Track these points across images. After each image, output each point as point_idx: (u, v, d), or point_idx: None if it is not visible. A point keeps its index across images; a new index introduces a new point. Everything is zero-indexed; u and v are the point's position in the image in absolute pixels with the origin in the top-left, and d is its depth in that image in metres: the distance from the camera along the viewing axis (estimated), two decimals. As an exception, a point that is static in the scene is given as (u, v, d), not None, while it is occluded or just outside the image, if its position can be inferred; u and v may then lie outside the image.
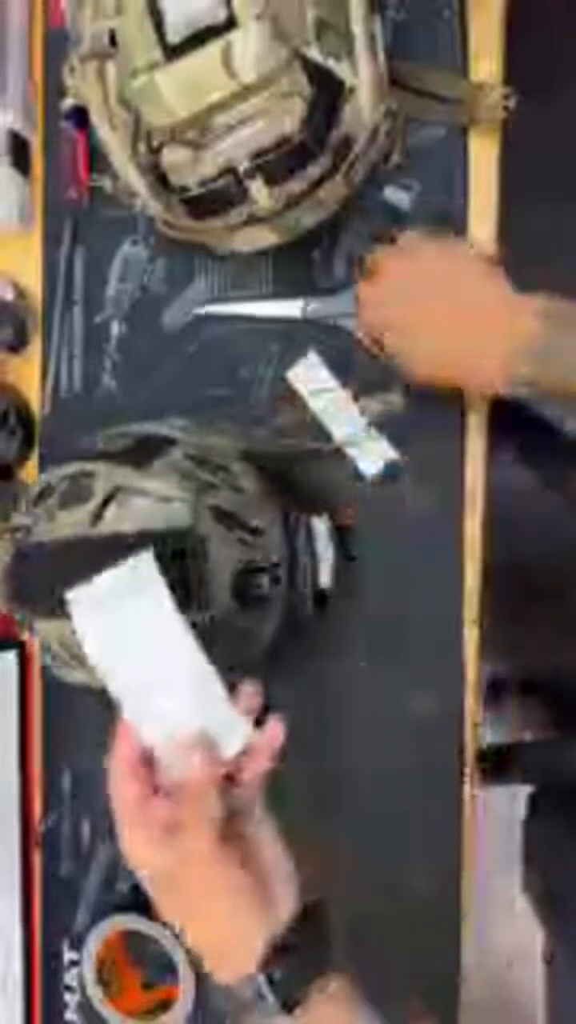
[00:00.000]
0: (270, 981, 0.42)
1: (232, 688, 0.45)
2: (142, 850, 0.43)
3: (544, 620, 1.38)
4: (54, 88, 0.70)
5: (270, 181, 0.53)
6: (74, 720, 0.73)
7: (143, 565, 0.45)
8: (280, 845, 0.45)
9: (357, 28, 0.53)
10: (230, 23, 0.49)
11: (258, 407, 0.67)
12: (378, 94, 0.55)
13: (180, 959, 0.66)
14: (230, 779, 0.44)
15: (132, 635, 0.44)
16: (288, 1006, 0.42)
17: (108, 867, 0.73)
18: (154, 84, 0.50)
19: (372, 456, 0.64)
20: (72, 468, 0.62)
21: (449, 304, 0.54)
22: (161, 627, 0.44)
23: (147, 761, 0.44)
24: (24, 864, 0.75)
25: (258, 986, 0.42)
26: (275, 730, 0.44)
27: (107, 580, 0.45)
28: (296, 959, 0.43)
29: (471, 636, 0.64)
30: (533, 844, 0.79)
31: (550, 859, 0.76)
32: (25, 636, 0.65)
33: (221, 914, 0.43)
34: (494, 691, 1.40)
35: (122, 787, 0.43)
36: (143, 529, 0.58)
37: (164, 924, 0.67)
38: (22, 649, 0.74)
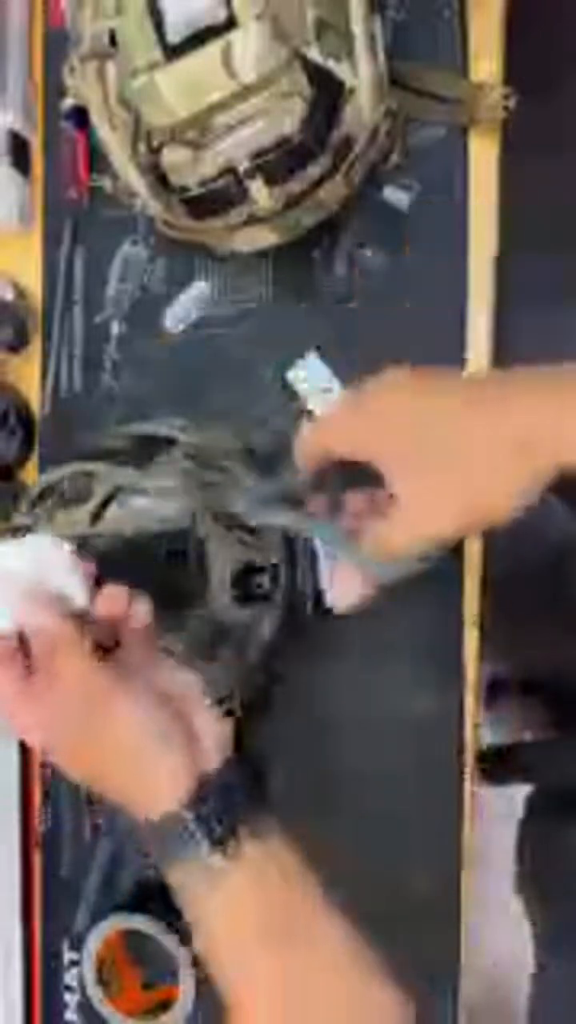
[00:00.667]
0: (197, 817, 0.40)
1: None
2: (31, 722, 0.42)
3: (544, 620, 1.38)
4: (54, 88, 0.70)
5: (270, 181, 0.53)
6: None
7: None
8: (210, 707, 0.44)
9: (357, 28, 0.53)
10: (230, 23, 0.49)
11: (258, 407, 0.67)
12: (378, 94, 0.55)
13: (180, 959, 0.66)
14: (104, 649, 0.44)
15: None
16: (218, 844, 0.40)
17: (108, 867, 0.73)
18: (154, 84, 0.50)
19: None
20: (72, 468, 0.62)
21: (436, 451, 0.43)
22: None
23: (14, 652, 0.43)
24: (24, 864, 0.75)
25: (184, 824, 0.40)
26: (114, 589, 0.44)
27: None
28: (227, 796, 0.41)
29: (471, 636, 0.64)
30: (528, 845, 0.79)
31: (544, 860, 0.76)
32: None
33: (133, 750, 0.41)
34: (494, 691, 1.40)
35: None
36: (143, 529, 0.58)
37: (165, 924, 0.67)
38: (22, 649, 0.74)
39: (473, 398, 0.41)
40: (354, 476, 0.45)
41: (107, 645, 0.44)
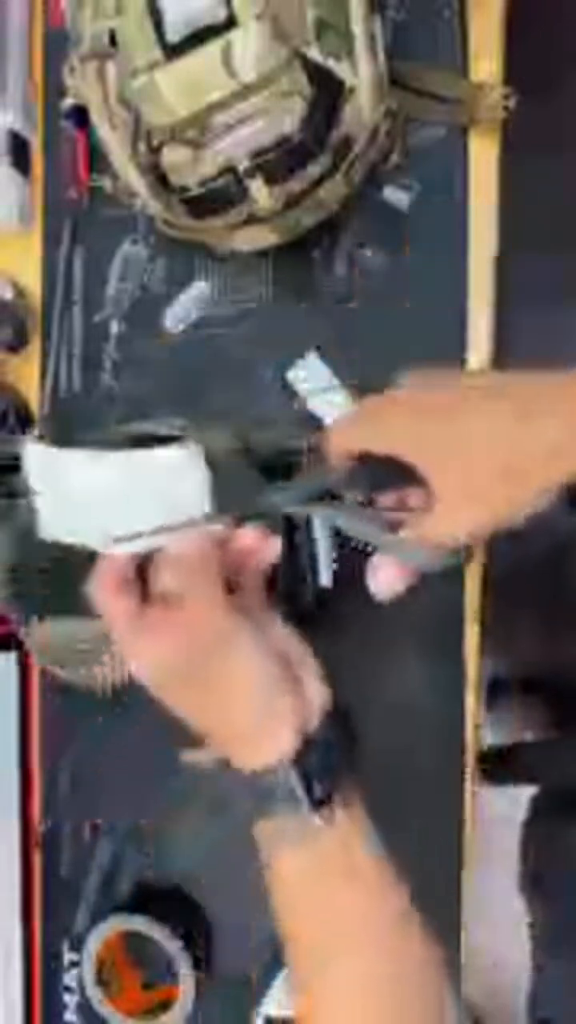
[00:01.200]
0: (300, 773, 0.40)
1: None
2: (150, 652, 0.41)
3: (544, 619, 1.38)
4: (54, 88, 0.70)
5: (270, 180, 0.53)
6: (74, 720, 0.73)
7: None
8: (307, 649, 0.44)
9: (357, 28, 0.53)
10: (230, 22, 0.49)
11: (258, 407, 0.67)
12: (378, 94, 0.55)
13: (180, 959, 0.66)
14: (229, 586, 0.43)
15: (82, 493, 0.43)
16: (316, 802, 0.40)
17: (108, 868, 0.73)
18: (154, 83, 0.50)
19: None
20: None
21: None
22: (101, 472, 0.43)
23: (131, 580, 0.42)
24: (24, 864, 0.75)
25: (286, 777, 0.40)
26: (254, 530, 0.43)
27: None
28: (327, 756, 0.41)
29: (472, 635, 0.64)
30: (531, 845, 0.79)
31: (547, 860, 0.76)
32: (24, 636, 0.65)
33: (247, 694, 0.41)
34: (495, 691, 1.40)
35: (112, 605, 0.41)
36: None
37: (165, 924, 0.67)
38: (22, 649, 0.74)
39: (518, 404, 0.41)
40: (383, 473, 0.44)
41: (231, 586, 0.43)
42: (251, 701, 0.41)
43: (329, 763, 0.41)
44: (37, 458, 0.43)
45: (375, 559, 0.45)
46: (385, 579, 0.45)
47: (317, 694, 0.43)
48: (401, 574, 0.45)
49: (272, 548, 0.44)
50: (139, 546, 0.42)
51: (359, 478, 0.44)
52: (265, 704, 0.41)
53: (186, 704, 0.42)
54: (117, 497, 0.42)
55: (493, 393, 0.42)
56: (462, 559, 0.44)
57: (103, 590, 0.42)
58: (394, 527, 0.43)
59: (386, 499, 0.45)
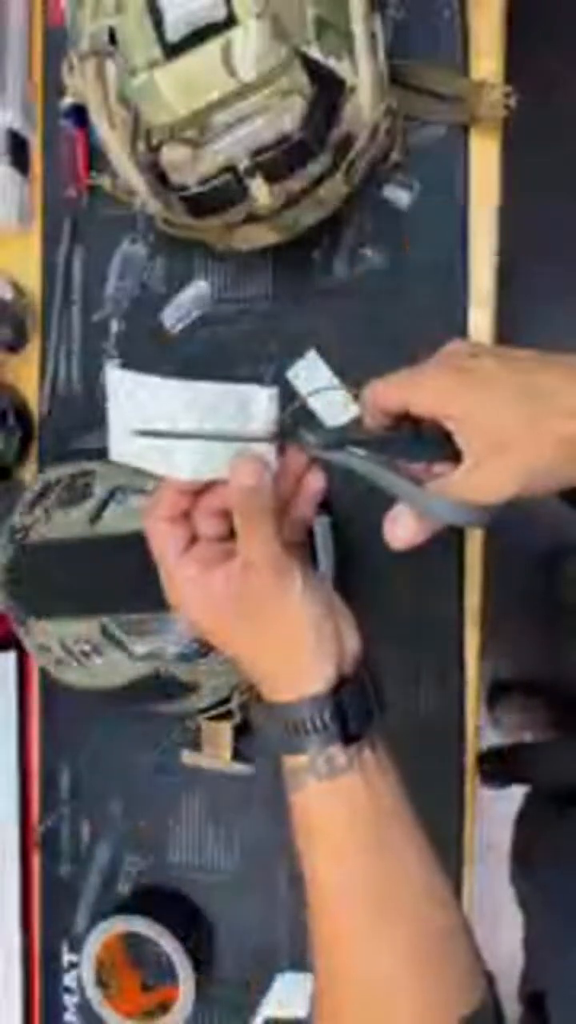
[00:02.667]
0: (337, 705, 0.41)
1: None
2: (202, 589, 0.42)
3: (544, 621, 1.38)
4: (53, 87, 0.70)
5: (270, 179, 0.53)
6: (73, 721, 0.73)
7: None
8: (349, 614, 0.45)
9: (357, 27, 0.53)
10: (230, 21, 0.49)
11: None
12: (379, 93, 0.55)
13: (179, 961, 0.66)
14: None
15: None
16: (348, 738, 0.41)
17: (107, 869, 0.73)
18: (154, 82, 0.50)
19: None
20: (71, 468, 0.62)
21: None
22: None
23: (184, 515, 0.43)
24: (23, 865, 0.75)
25: (321, 711, 0.41)
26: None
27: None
28: (361, 696, 0.43)
29: (471, 636, 0.63)
30: (522, 835, 0.79)
31: (539, 850, 0.75)
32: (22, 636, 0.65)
33: (300, 632, 0.42)
34: (495, 692, 1.40)
35: (164, 534, 0.42)
36: (141, 529, 0.58)
37: (164, 925, 0.67)
38: (22, 650, 0.74)
39: (546, 366, 0.41)
40: (416, 443, 0.44)
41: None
42: (302, 639, 0.42)
43: (363, 703, 0.43)
44: (116, 380, 0.43)
45: (395, 510, 0.45)
46: (404, 529, 0.44)
47: (352, 639, 0.44)
48: (421, 526, 0.44)
49: (319, 476, 0.45)
50: (197, 466, 0.42)
51: (390, 444, 0.44)
52: (315, 642, 0.42)
53: (234, 639, 0.44)
54: (186, 420, 0.41)
55: (526, 357, 0.42)
56: (486, 519, 0.43)
57: (156, 518, 0.43)
58: (419, 482, 0.43)
59: (414, 467, 0.45)
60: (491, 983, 0.43)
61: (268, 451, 0.43)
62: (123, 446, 0.44)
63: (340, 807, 0.42)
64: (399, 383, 0.43)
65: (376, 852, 0.42)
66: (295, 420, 0.45)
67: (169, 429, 0.41)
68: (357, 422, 0.47)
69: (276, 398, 0.44)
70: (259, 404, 0.44)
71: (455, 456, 0.42)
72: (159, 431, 0.41)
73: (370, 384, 0.44)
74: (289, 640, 0.42)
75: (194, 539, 0.43)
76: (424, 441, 0.44)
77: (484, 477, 0.41)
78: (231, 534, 0.43)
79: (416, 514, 0.44)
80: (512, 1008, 0.48)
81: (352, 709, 0.42)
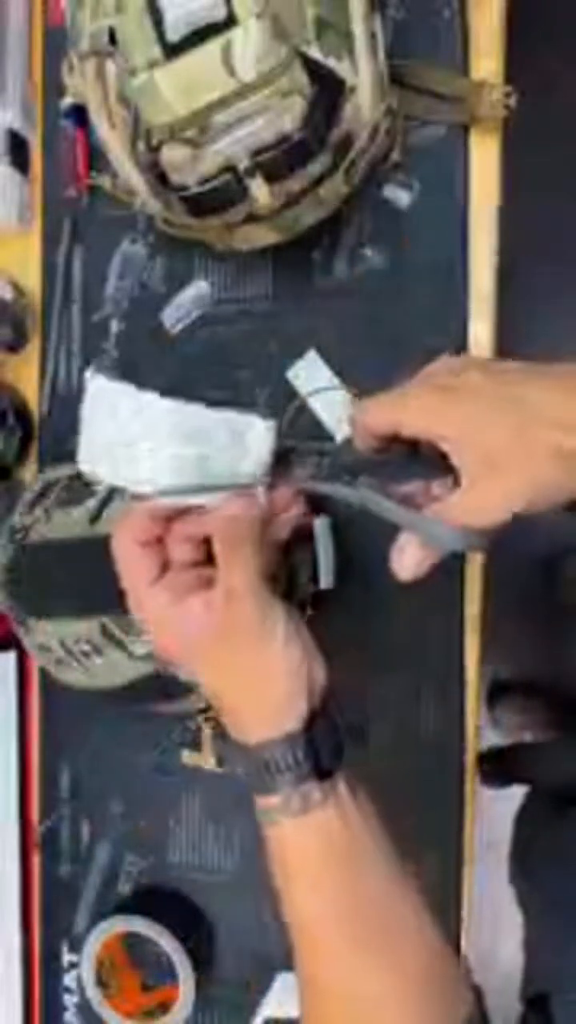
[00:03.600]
0: (309, 741, 0.41)
1: None
2: (170, 615, 0.41)
3: (544, 622, 1.38)
4: (53, 87, 0.70)
5: (270, 179, 0.53)
6: (73, 721, 0.73)
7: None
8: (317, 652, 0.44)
9: (357, 27, 0.53)
10: (230, 21, 0.49)
11: (258, 407, 0.66)
12: (379, 93, 0.55)
13: (179, 961, 0.66)
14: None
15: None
16: (321, 773, 0.41)
17: (107, 869, 0.73)
18: (153, 82, 0.50)
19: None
20: (71, 468, 0.62)
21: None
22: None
23: (157, 540, 0.42)
24: (23, 865, 0.75)
25: (294, 750, 0.41)
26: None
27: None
28: (332, 727, 0.42)
29: (471, 637, 0.63)
30: (521, 835, 0.79)
31: (539, 849, 0.75)
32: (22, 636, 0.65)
33: (273, 663, 0.41)
34: (495, 692, 1.40)
35: (135, 559, 0.41)
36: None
37: (164, 925, 0.67)
38: (22, 650, 0.74)
39: (534, 377, 0.40)
40: (408, 464, 0.44)
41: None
42: (279, 677, 0.42)
43: (333, 737, 0.42)
44: (98, 389, 0.42)
45: (401, 539, 0.45)
46: (410, 560, 0.44)
47: (320, 670, 0.43)
48: (426, 555, 0.44)
49: (299, 504, 0.45)
50: (176, 498, 0.41)
51: (384, 467, 0.44)
52: (291, 681, 0.42)
53: (206, 669, 0.43)
54: (169, 444, 0.41)
55: (513, 369, 0.41)
56: (487, 542, 0.43)
57: (128, 541, 0.42)
58: (417, 508, 0.43)
59: (410, 487, 0.45)
60: (479, 997, 0.43)
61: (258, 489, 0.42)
62: (92, 460, 0.43)
63: (315, 841, 0.41)
64: (386, 405, 0.42)
65: (354, 881, 0.41)
66: (286, 449, 0.45)
67: (185, 485, 0.41)
68: (348, 443, 0.46)
69: (273, 430, 0.43)
70: (256, 436, 0.43)
71: (449, 472, 0.42)
72: (181, 488, 0.41)
73: (357, 407, 0.44)
74: (265, 677, 0.42)
75: (165, 566, 0.42)
76: (418, 462, 0.43)
77: (481, 498, 0.40)
78: (206, 560, 0.42)
79: (421, 542, 0.44)
80: (514, 1007, 0.48)
81: (324, 745, 0.42)
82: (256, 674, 0.42)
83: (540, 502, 0.39)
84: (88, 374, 0.43)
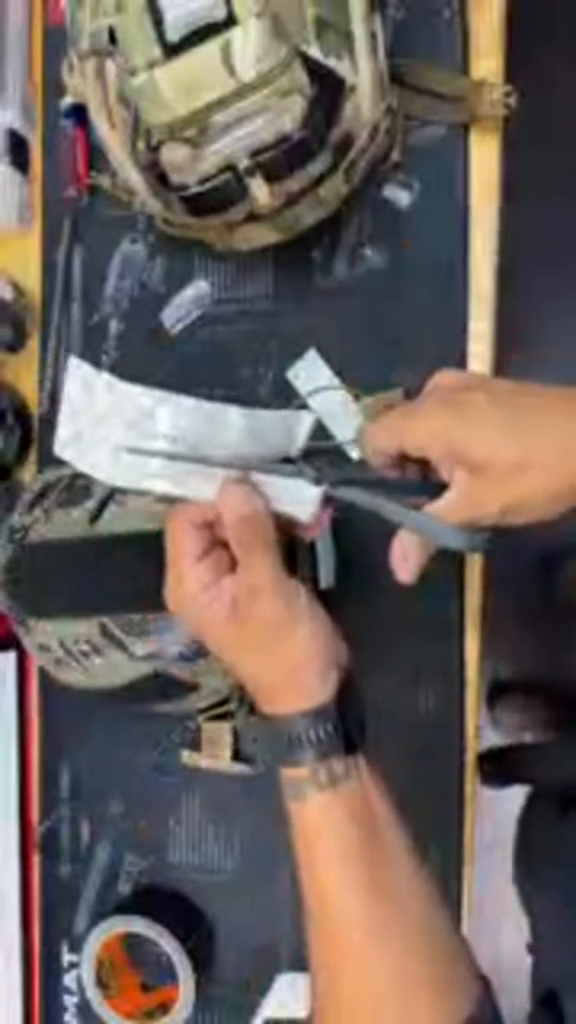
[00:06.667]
0: (339, 717, 0.42)
1: None
2: (207, 596, 0.42)
3: (544, 621, 1.38)
4: (53, 86, 0.70)
5: (270, 179, 0.53)
6: (73, 721, 0.73)
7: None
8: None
9: (357, 27, 0.53)
10: (230, 21, 0.49)
11: (258, 407, 0.66)
12: (379, 92, 0.55)
13: (179, 961, 0.66)
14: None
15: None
16: (349, 747, 0.42)
17: (107, 869, 0.73)
18: (153, 82, 0.50)
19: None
20: (70, 468, 0.62)
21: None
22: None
23: (207, 526, 0.43)
24: (23, 865, 0.75)
25: (324, 723, 0.42)
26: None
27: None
28: (356, 702, 0.44)
29: (471, 636, 0.63)
30: (525, 836, 0.79)
31: (541, 851, 0.76)
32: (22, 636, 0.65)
33: (303, 647, 0.43)
34: (495, 692, 1.40)
35: (185, 540, 0.43)
36: (140, 530, 0.58)
37: (164, 926, 0.67)
38: (22, 650, 0.74)
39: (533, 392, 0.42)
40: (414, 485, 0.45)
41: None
42: (310, 658, 0.43)
43: (358, 712, 0.44)
44: (82, 377, 0.43)
45: (402, 539, 0.46)
46: (415, 563, 0.45)
47: (341, 647, 0.45)
48: (427, 555, 0.45)
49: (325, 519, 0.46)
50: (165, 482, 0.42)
51: (394, 487, 0.45)
52: (321, 659, 0.43)
53: (237, 654, 0.44)
54: (164, 436, 0.42)
55: (513, 390, 0.42)
56: (487, 540, 0.44)
57: (183, 519, 0.43)
58: (418, 508, 0.44)
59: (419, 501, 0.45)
60: (487, 988, 0.43)
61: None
62: (70, 450, 0.44)
63: (340, 813, 0.42)
64: (390, 428, 0.43)
65: (374, 853, 0.42)
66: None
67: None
68: (361, 463, 0.47)
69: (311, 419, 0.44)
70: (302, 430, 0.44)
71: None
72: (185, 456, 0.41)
73: (363, 429, 0.45)
74: (297, 659, 0.43)
75: (210, 551, 0.43)
76: (428, 484, 0.44)
77: (483, 495, 0.41)
78: None
79: (421, 544, 0.45)
80: (515, 1004, 0.48)
81: (351, 718, 0.43)
82: (288, 656, 0.43)
83: (551, 511, 0.41)
84: (72, 362, 0.43)
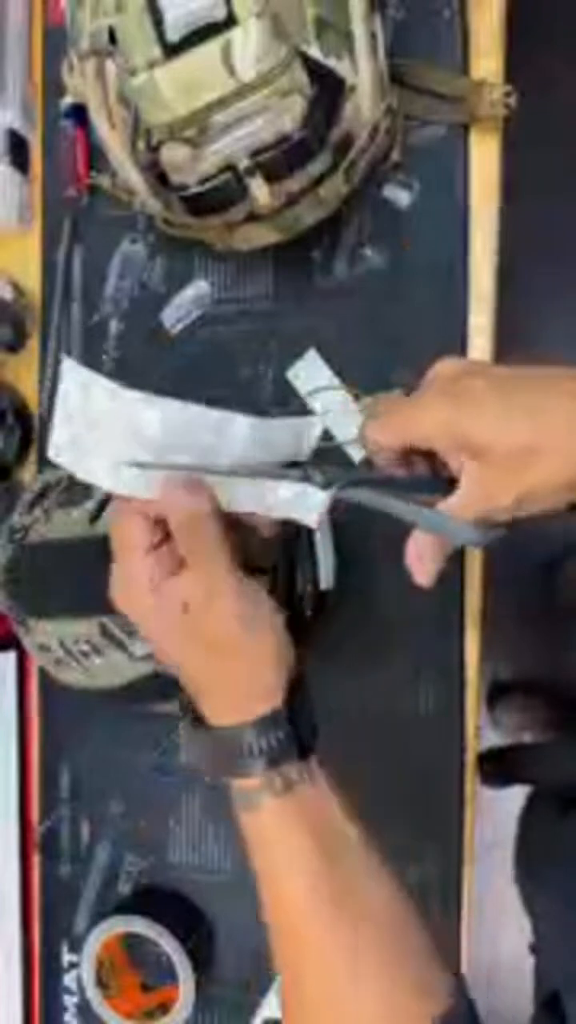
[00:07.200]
0: (290, 720, 0.41)
1: None
2: (157, 594, 0.41)
3: (544, 621, 1.38)
4: (53, 87, 0.70)
5: (270, 179, 0.53)
6: (73, 721, 0.73)
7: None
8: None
9: (357, 27, 0.53)
10: (230, 21, 0.49)
11: (258, 407, 0.66)
12: (379, 92, 0.55)
13: (179, 961, 0.66)
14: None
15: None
16: (302, 752, 0.41)
17: (107, 869, 0.73)
18: (153, 82, 0.50)
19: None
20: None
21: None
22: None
23: (158, 521, 0.41)
24: (23, 865, 0.75)
25: (276, 730, 0.41)
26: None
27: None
28: (309, 705, 0.43)
29: (471, 636, 0.63)
30: (526, 836, 0.79)
31: (542, 851, 0.76)
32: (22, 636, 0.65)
33: (262, 653, 0.42)
34: (495, 692, 1.40)
35: (135, 531, 0.41)
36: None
37: (164, 926, 0.67)
38: (22, 650, 0.74)
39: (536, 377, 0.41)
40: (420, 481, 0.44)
41: None
42: (267, 666, 0.42)
43: (310, 715, 0.43)
44: (76, 379, 0.42)
45: (416, 539, 0.44)
46: (430, 561, 0.44)
47: (291, 647, 0.43)
48: (443, 555, 0.44)
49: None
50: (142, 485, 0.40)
51: (404, 486, 0.44)
52: (279, 665, 0.42)
53: (185, 659, 0.43)
54: (164, 445, 0.40)
55: (513, 375, 0.41)
56: (501, 535, 0.43)
57: (133, 511, 0.41)
58: (430, 506, 0.43)
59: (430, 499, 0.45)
60: (461, 983, 0.43)
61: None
62: (65, 454, 0.43)
63: (296, 819, 0.41)
64: (393, 422, 0.42)
65: (332, 856, 0.41)
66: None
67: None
68: (368, 463, 0.46)
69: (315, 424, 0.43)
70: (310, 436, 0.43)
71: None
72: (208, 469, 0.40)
73: (365, 426, 0.43)
74: (252, 667, 0.42)
75: (157, 546, 0.42)
76: (437, 480, 0.43)
77: (497, 488, 0.40)
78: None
79: (437, 543, 0.44)
80: (516, 1004, 0.48)
81: (304, 722, 0.42)
82: (243, 664, 0.42)
83: (559, 501, 0.40)
84: (65, 364, 0.42)
